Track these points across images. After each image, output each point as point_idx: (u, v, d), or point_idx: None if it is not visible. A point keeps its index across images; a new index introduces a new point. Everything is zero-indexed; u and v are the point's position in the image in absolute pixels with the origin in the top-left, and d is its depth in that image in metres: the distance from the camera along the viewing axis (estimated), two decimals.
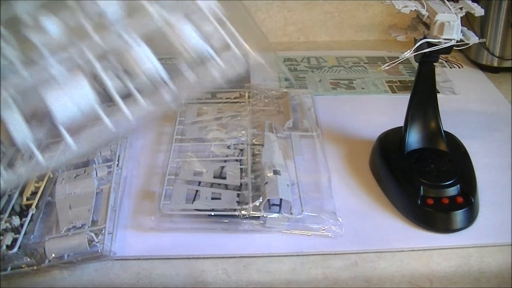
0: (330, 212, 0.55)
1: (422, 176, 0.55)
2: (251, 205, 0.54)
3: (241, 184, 0.58)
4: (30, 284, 0.49)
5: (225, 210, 0.54)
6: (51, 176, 0.58)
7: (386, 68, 0.54)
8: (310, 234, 0.53)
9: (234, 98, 0.74)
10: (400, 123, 0.60)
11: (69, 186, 0.56)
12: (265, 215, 0.53)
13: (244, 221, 0.53)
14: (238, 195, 0.56)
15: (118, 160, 0.61)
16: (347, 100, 0.78)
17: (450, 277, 0.50)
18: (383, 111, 0.75)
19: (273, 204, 0.54)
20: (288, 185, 0.56)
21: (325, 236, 0.53)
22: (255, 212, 0.53)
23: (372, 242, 0.52)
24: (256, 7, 0.96)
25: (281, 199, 0.54)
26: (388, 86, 0.82)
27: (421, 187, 0.54)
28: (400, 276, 0.50)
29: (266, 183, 0.55)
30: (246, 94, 0.75)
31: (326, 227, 0.53)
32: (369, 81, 0.83)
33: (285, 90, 0.77)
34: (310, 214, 0.54)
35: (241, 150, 0.63)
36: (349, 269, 0.50)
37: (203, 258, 0.51)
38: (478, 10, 0.53)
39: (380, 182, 0.60)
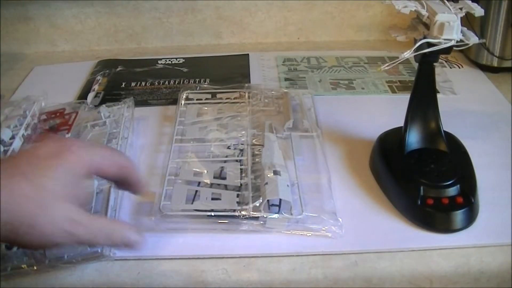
0: (330, 213, 0.55)
1: (422, 176, 0.55)
2: (251, 205, 0.54)
3: (241, 185, 0.57)
4: (30, 284, 0.49)
5: (224, 210, 0.54)
6: None
7: (386, 68, 0.54)
8: (310, 234, 0.53)
9: (234, 99, 0.74)
10: (400, 123, 0.60)
11: None
12: (265, 216, 0.53)
13: (244, 222, 0.53)
14: (238, 196, 0.56)
15: None
16: (347, 100, 0.78)
17: (450, 277, 0.50)
18: (383, 111, 0.75)
19: (273, 205, 0.54)
20: (288, 185, 0.56)
21: (325, 237, 0.53)
22: (255, 213, 0.53)
23: (372, 242, 0.52)
24: (256, 7, 0.96)
25: (280, 200, 0.54)
26: (388, 86, 0.82)
27: (421, 187, 0.54)
28: (400, 276, 0.50)
29: (266, 183, 0.55)
30: (246, 95, 0.75)
31: (326, 227, 0.53)
32: (369, 81, 0.83)
33: (285, 90, 0.77)
34: (310, 214, 0.54)
35: (241, 150, 0.63)
36: (349, 269, 0.50)
37: (203, 258, 0.51)
38: (478, 10, 0.53)
39: (380, 182, 0.60)
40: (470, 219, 0.54)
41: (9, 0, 0.93)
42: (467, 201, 0.54)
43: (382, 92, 0.80)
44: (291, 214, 0.53)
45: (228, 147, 0.64)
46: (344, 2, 0.96)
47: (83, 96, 0.81)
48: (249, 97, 0.75)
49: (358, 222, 0.54)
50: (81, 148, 0.43)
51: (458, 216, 0.53)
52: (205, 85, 0.79)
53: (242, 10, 0.97)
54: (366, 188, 0.59)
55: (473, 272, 0.50)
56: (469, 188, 0.55)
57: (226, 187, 0.58)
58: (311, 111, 0.73)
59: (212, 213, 0.53)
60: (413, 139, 0.59)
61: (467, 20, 0.57)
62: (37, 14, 0.95)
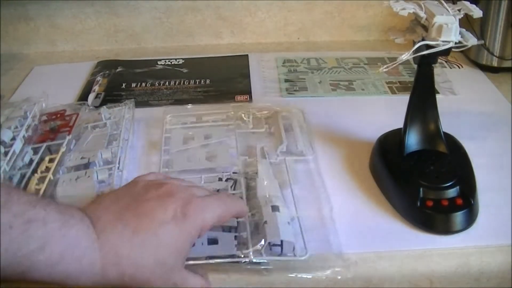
0: (336, 251, 0.51)
1: (422, 178, 0.55)
2: (251, 249, 0.49)
3: (238, 223, 0.52)
4: (30, 285, 0.49)
5: (223, 257, 0.49)
6: (52, 178, 0.58)
7: (385, 70, 0.54)
8: (316, 277, 0.49)
9: (221, 121, 0.70)
10: (400, 124, 0.60)
11: (70, 188, 0.56)
12: (266, 260, 0.49)
13: (245, 267, 0.49)
14: (235, 237, 0.50)
15: (119, 163, 0.61)
16: (347, 101, 0.78)
17: (450, 277, 0.50)
18: (383, 112, 0.75)
19: (274, 245, 0.49)
20: (288, 222, 0.52)
21: (333, 280, 0.49)
22: (256, 258, 0.49)
23: (371, 244, 0.52)
24: (256, 7, 0.96)
25: (282, 240, 0.49)
26: (388, 87, 0.82)
27: (421, 189, 0.54)
28: (400, 276, 0.50)
29: (265, 222, 0.51)
30: (233, 115, 0.70)
31: (332, 269, 0.49)
32: (369, 82, 0.83)
33: (277, 108, 0.72)
34: (314, 254, 0.50)
35: (234, 181, 0.58)
36: (349, 269, 0.50)
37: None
38: (476, 12, 0.53)
39: (379, 184, 0.60)
40: (469, 220, 0.54)
41: (9, 0, 0.93)
42: (467, 202, 0.54)
43: (382, 93, 0.80)
44: (294, 255, 0.49)
45: (220, 179, 0.59)
46: (344, 2, 0.96)
47: (83, 96, 0.81)
48: (236, 118, 0.70)
49: (358, 224, 0.55)
50: (197, 210, 0.45)
51: (458, 217, 0.53)
52: (189, 107, 0.76)
53: (242, 10, 0.97)
54: (366, 190, 0.59)
55: (473, 272, 0.50)
56: (469, 190, 0.55)
57: (222, 227, 0.52)
58: (303, 129, 0.69)
59: (211, 261, 0.49)
60: (413, 140, 0.59)
61: (467, 20, 0.57)
62: (37, 14, 0.95)
